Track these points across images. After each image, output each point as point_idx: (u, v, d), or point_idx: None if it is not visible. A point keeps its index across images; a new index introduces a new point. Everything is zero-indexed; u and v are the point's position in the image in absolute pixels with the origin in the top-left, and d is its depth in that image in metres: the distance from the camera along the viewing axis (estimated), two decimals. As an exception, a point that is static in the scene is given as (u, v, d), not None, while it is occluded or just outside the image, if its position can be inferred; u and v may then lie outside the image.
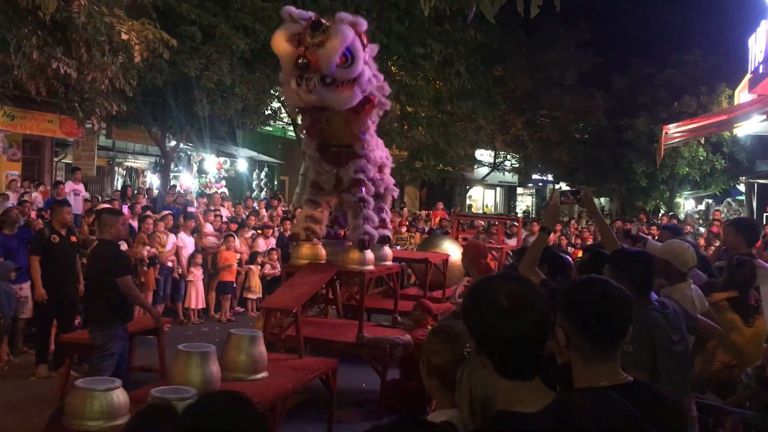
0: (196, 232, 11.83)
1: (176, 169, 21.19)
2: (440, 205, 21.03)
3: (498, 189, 39.39)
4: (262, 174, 25.27)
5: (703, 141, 23.64)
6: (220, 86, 14.51)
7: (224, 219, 13.26)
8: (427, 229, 16.32)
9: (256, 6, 14.85)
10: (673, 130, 13.17)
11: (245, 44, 14.25)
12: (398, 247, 12.73)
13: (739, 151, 24.95)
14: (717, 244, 10.39)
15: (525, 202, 41.91)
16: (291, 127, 21.71)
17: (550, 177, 35.93)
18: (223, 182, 22.10)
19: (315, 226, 7.41)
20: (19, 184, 13.63)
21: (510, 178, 35.39)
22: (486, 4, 3.95)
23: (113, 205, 11.79)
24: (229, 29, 14.19)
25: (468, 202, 34.47)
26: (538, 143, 30.13)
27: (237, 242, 11.84)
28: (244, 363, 5.36)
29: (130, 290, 6.21)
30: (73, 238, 8.08)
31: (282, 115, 20.48)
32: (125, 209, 12.43)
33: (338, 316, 8.50)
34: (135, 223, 11.38)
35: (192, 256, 11.22)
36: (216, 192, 18.31)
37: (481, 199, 38.04)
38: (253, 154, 24.14)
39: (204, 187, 20.94)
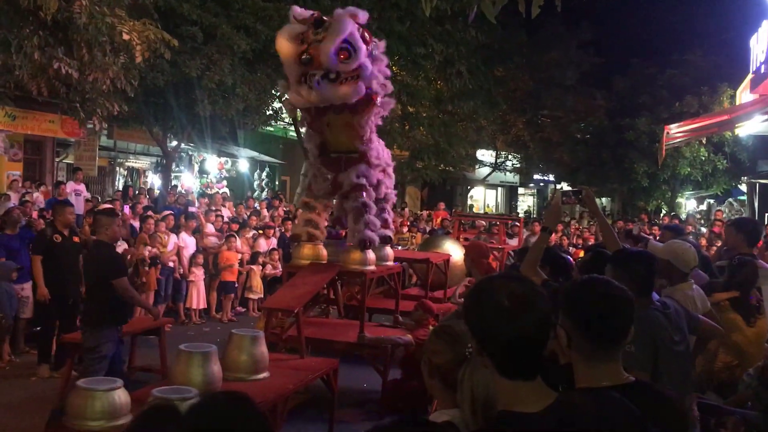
0: (198, 232, 11.84)
1: (177, 169, 21.20)
2: (442, 205, 21.03)
3: (499, 189, 39.38)
4: (264, 174, 25.27)
5: (704, 141, 23.64)
6: (222, 86, 14.51)
7: (225, 219, 13.27)
8: (428, 229, 16.32)
9: (258, 6, 14.86)
10: (675, 130, 13.18)
11: (246, 44, 14.25)
12: (399, 247, 12.72)
13: (740, 151, 24.92)
14: (719, 244, 10.38)
15: (526, 202, 41.91)
16: (292, 128, 21.71)
17: (551, 177, 35.92)
18: (225, 182, 22.11)
19: (315, 231, 7.41)
20: (20, 185, 13.64)
21: (511, 178, 35.40)
22: (487, 4, 3.95)
23: (115, 206, 11.80)
24: (230, 29, 14.20)
25: (469, 202, 34.47)
26: (539, 143, 30.12)
27: (238, 242, 11.85)
28: (246, 363, 5.37)
29: (127, 291, 6.18)
30: (76, 239, 8.08)
31: (283, 115, 20.47)
32: (127, 209, 12.45)
33: (339, 316, 8.50)
34: (136, 224, 11.40)
35: (193, 256, 11.23)
36: (217, 192, 18.32)
37: (483, 199, 38.05)
38: (255, 154, 24.15)
39: (205, 187, 20.95)
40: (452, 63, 20.33)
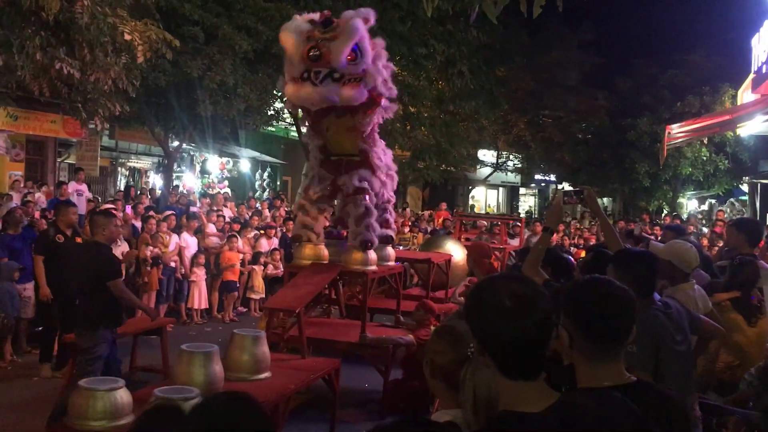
0: (199, 232, 11.85)
1: (179, 169, 21.21)
2: (443, 205, 21.03)
3: (500, 189, 39.38)
4: (265, 174, 25.28)
5: (706, 141, 23.63)
6: (223, 87, 14.51)
7: (227, 219, 13.27)
8: (429, 229, 16.32)
9: (259, 6, 14.86)
10: (676, 130, 13.17)
11: (248, 45, 14.25)
12: (401, 248, 12.73)
13: (742, 151, 24.91)
14: (720, 244, 10.37)
15: (527, 202, 41.91)
16: (293, 128, 21.72)
17: (552, 177, 35.93)
18: (226, 182, 22.12)
19: (310, 233, 7.41)
20: (22, 185, 13.66)
21: (513, 178, 35.41)
22: (489, 4, 3.95)
23: (116, 206, 11.82)
24: (231, 30, 14.20)
25: (470, 202, 34.47)
26: (540, 143, 30.13)
27: (240, 242, 11.85)
28: (247, 363, 5.37)
29: (123, 293, 6.11)
30: (78, 239, 8.08)
31: (284, 116, 20.49)
32: (128, 209, 12.45)
33: (341, 317, 8.51)
34: (138, 224, 11.40)
35: (195, 257, 11.24)
36: (219, 192, 18.34)
37: (484, 199, 38.05)
38: (256, 154, 24.17)
39: (207, 187, 20.96)
40: (454, 63, 20.32)
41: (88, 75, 9.51)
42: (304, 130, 8.02)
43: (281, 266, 11.91)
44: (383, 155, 7.55)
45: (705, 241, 12.47)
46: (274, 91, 16.32)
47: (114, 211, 10.51)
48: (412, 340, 6.86)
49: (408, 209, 20.22)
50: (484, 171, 32.11)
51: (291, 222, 13.50)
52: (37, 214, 10.34)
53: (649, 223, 17.83)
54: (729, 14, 26.03)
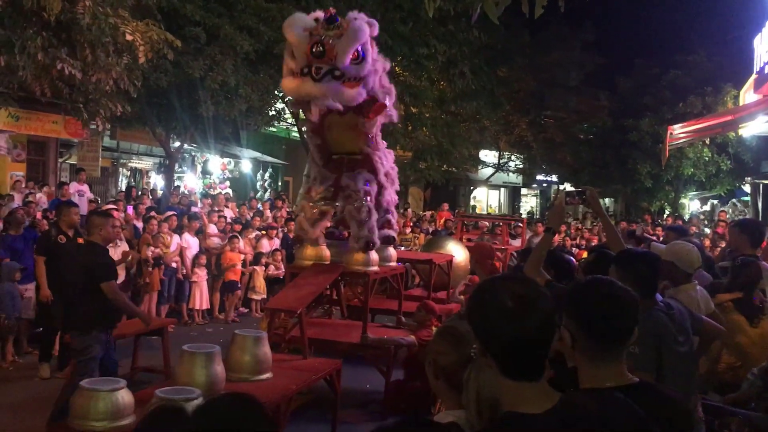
0: (201, 232, 11.85)
1: (180, 169, 21.22)
2: (445, 206, 21.04)
3: (502, 190, 39.36)
4: (266, 175, 25.28)
5: (708, 142, 23.59)
6: (225, 87, 14.52)
7: (228, 220, 13.27)
8: (431, 230, 16.32)
9: (261, 7, 14.88)
10: (678, 131, 13.16)
11: (249, 45, 14.26)
12: (402, 248, 12.73)
13: (744, 152, 24.87)
14: (722, 245, 10.36)
15: (529, 202, 41.89)
16: (295, 128, 21.72)
17: (554, 178, 35.89)
18: (227, 183, 22.13)
19: (311, 236, 7.40)
20: (23, 185, 13.66)
21: (514, 178, 35.38)
22: (490, 4, 3.94)
23: (118, 206, 11.82)
24: (233, 30, 14.21)
25: (472, 202, 34.46)
26: (542, 144, 30.11)
27: (241, 243, 11.85)
28: (249, 364, 5.37)
29: (116, 296, 5.98)
30: (80, 240, 8.07)
31: (286, 116, 20.50)
32: (130, 210, 12.45)
33: (342, 317, 8.51)
34: (139, 224, 11.40)
35: (196, 257, 11.24)
36: (220, 193, 18.34)
37: (485, 199, 38.04)
38: (257, 154, 24.17)
39: (208, 187, 20.97)
40: (455, 63, 20.33)
41: (89, 75, 9.51)
42: (305, 129, 7.98)
43: (282, 267, 11.91)
44: (385, 158, 7.55)
45: (707, 242, 12.46)
46: (276, 92, 16.34)
47: (115, 212, 10.53)
48: (414, 341, 6.86)
49: (409, 210, 20.22)
50: (486, 171, 32.10)
51: (292, 222, 13.52)
52: (38, 215, 10.34)
53: (651, 224, 17.82)
54: (731, 15, 26.01)
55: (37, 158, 17.18)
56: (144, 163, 22.83)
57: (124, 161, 21.94)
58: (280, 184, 26.59)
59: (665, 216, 24.95)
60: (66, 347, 7.25)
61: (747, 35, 15.70)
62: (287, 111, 19.55)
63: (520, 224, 15.39)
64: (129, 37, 9.64)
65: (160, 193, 17.44)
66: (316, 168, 7.45)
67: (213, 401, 1.80)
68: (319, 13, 6.56)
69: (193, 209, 13.93)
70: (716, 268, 6.24)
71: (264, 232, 12.90)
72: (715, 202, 29.28)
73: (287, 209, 16.41)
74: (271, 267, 12.27)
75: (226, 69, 14.01)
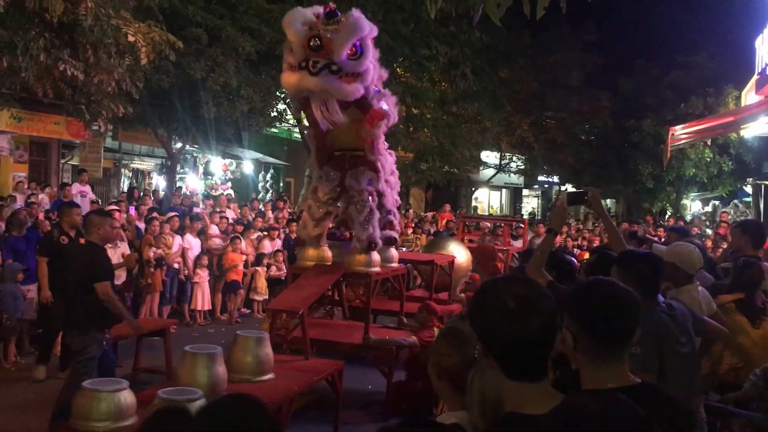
0: (202, 233, 11.86)
1: (182, 170, 21.23)
2: (447, 207, 21.01)
3: (504, 190, 39.33)
4: (268, 176, 25.28)
5: (709, 142, 23.60)
6: (226, 88, 14.53)
7: (230, 221, 13.28)
8: (432, 230, 16.31)
9: (262, 8, 14.89)
10: (680, 132, 13.17)
11: (251, 46, 14.27)
12: (404, 249, 12.73)
13: (746, 153, 24.87)
14: (724, 245, 10.36)
15: (531, 203, 41.85)
16: (296, 129, 21.72)
17: (555, 178, 35.86)
18: (229, 184, 22.13)
19: (315, 235, 7.40)
20: (25, 186, 13.68)
21: (516, 179, 35.34)
22: (492, 6, 3.95)
23: (120, 207, 11.83)
24: (235, 31, 14.22)
25: (473, 203, 34.45)
26: (543, 145, 30.08)
27: (243, 244, 11.86)
28: (251, 364, 5.38)
29: (108, 297, 5.85)
30: (82, 240, 8.07)
31: (288, 117, 20.51)
32: (132, 211, 12.46)
33: (344, 318, 8.51)
34: (141, 225, 11.42)
35: (198, 258, 11.25)
36: (222, 194, 18.34)
37: (487, 200, 38.00)
38: (259, 155, 24.17)
39: (210, 188, 20.96)
40: (457, 64, 20.33)
41: (91, 76, 9.52)
42: (306, 125, 7.92)
43: (284, 268, 11.92)
44: (385, 161, 7.56)
45: (709, 243, 12.46)
46: (278, 93, 16.35)
47: (117, 213, 10.56)
48: (416, 342, 6.86)
49: (411, 211, 20.21)
50: (487, 172, 32.07)
51: (294, 223, 13.53)
52: (41, 216, 10.36)
53: (653, 225, 17.82)
54: (733, 15, 25.99)
55: (40, 159, 17.20)
56: (146, 164, 22.83)
57: (126, 162, 21.95)
58: (281, 185, 26.59)
59: (667, 217, 24.93)
60: (68, 348, 7.27)
61: (749, 36, 15.69)
62: (289, 112, 19.56)
63: (522, 225, 15.39)
64: (131, 39, 9.65)
65: (162, 194, 17.45)
66: (319, 168, 7.45)
67: (216, 402, 1.81)
68: (320, 9, 6.54)
69: (195, 210, 13.94)
70: (718, 269, 6.23)
71: (266, 233, 12.90)
72: (717, 203, 29.28)
73: (289, 210, 16.42)
74: (273, 268, 12.27)
75: (228, 70, 14.02)
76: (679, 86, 27.02)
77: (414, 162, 23.40)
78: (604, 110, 29.38)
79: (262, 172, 24.96)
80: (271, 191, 24.09)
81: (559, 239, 13.13)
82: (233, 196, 19.17)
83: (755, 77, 14.43)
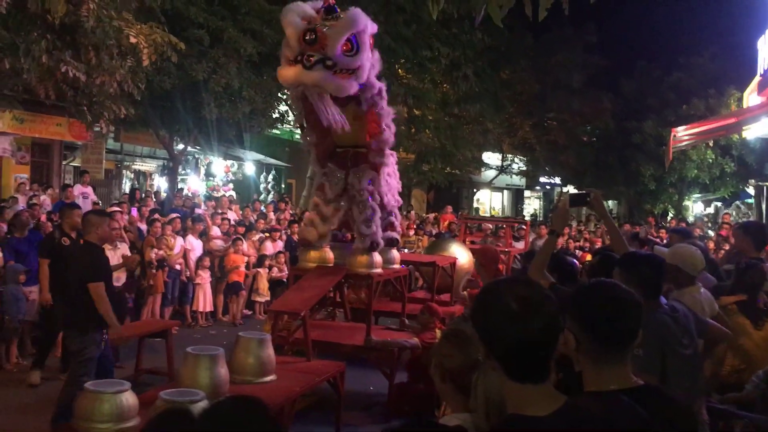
0: (204, 235, 11.87)
1: (184, 172, 21.24)
2: (449, 208, 21.02)
3: (505, 192, 39.32)
4: (270, 177, 25.30)
5: (711, 144, 23.60)
6: (228, 89, 14.54)
7: (232, 222, 13.29)
8: (434, 232, 16.31)
9: (264, 10, 14.90)
10: (682, 133, 13.16)
11: (253, 48, 14.29)
12: (406, 250, 12.73)
13: (748, 154, 24.85)
14: (726, 247, 10.34)
15: (532, 205, 41.84)
16: (298, 130, 21.73)
17: (557, 180, 35.84)
18: (231, 185, 22.13)
19: (315, 234, 7.39)
20: (27, 187, 13.69)
21: (517, 181, 35.33)
22: (494, 7, 3.94)
23: (122, 208, 11.84)
24: (236, 33, 14.24)
25: (475, 205, 34.44)
26: (545, 146, 30.07)
27: (245, 245, 11.86)
28: (253, 366, 5.38)
29: (99, 298, 5.76)
30: (83, 241, 8.07)
31: (289, 119, 20.52)
32: (134, 212, 12.48)
33: (346, 320, 8.51)
34: (143, 226, 11.42)
35: (200, 259, 11.25)
36: (223, 195, 18.35)
37: (489, 202, 37.99)
38: (261, 157, 24.17)
39: (211, 190, 20.96)
40: (458, 66, 20.35)
41: (93, 78, 9.54)
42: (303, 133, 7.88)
43: (286, 269, 11.92)
44: (388, 161, 7.56)
45: (711, 245, 12.44)
46: (279, 94, 16.36)
47: (119, 214, 10.56)
48: (417, 343, 6.86)
49: (413, 212, 20.21)
50: (489, 174, 32.06)
51: (296, 225, 13.54)
52: (43, 217, 10.36)
53: (655, 226, 17.81)
54: (734, 16, 26.04)
55: (41, 160, 17.21)
56: (147, 166, 22.85)
57: (128, 163, 21.97)
58: (283, 186, 26.61)
59: (669, 218, 24.92)
60: (66, 348, 7.27)
61: (750, 37, 15.67)
62: (290, 113, 19.57)
63: (524, 226, 15.37)
64: (133, 40, 9.67)
65: (163, 195, 17.45)
66: (322, 165, 7.44)
67: (219, 404, 1.82)
68: (320, 4, 6.53)
69: (197, 211, 13.96)
70: (721, 271, 6.22)
71: (267, 234, 12.91)
72: (719, 204, 29.25)
73: (290, 211, 16.42)
74: (275, 269, 12.27)
75: (230, 71, 14.03)
76: (680, 87, 27.02)
77: (416, 163, 23.41)
78: (606, 112, 29.37)
79: (264, 173, 24.96)
80: (272, 192, 24.10)
81: (561, 241, 13.12)
82: (235, 197, 19.18)
83: (757, 78, 14.41)
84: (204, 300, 11.22)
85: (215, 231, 12.31)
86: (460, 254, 9.97)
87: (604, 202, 4.40)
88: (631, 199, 31.60)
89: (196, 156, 21.95)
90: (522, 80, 27.38)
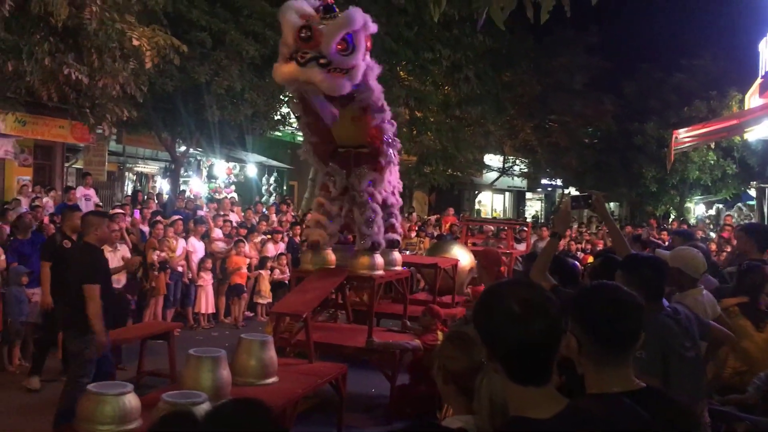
0: (206, 237, 11.88)
1: (186, 174, 21.25)
2: (451, 210, 21.00)
3: (507, 194, 39.29)
4: (272, 179, 25.31)
5: (713, 145, 23.57)
6: (230, 92, 14.55)
7: (234, 224, 13.29)
8: (436, 234, 16.31)
9: (266, 12, 14.90)
10: (684, 135, 13.16)
11: (255, 50, 14.30)
12: (407, 252, 12.74)
13: (749, 156, 24.82)
14: (728, 249, 10.33)
15: (534, 207, 41.79)
16: (300, 132, 21.74)
17: (559, 182, 35.80)
18: (233, 187, 22.15)
19: (324, 234, 7.39)
20: (30, 189, 13.71)
21: (519, 182, 35.31)
22: (496, 10, 3.95)
23: (125, 210, 11.85)
24: (239, 35, 14.25)
25: (477, 206, 34.42)
26: (547, 148, 30.03)
27: (247, 247, 11.87)
28: (255, 368, 5.38)
29: (92, 301, 5.68)
30: (84, 244, 8.07)
31: (291, 121, 20.53)
32: (136, 214, 12.49)
33: (348, 321, 8.51)
34: (146, 228, 11.44)
35: (202, 261, 11.26)
36: (225, 197, 18.36)
37: (490, 203, 37.96)
38: (263, 159, 24.19)
39: (213, 192, 20.99)
40: (460, 68, 20.35)
41: (96, 80, 9.55)
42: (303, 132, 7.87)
43: (287, 271, 11.92)
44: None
45: (713, 246, 12.43)
46: (281, 96, 16.36)
47: (122, 216, 10.56)
48: (419, 345, 6.86)
49: (414, 214, 20.22)
50: (491, 176, 32.03)
51: (298, 227, 13.55)
52: (45, 219, 10.38)
53: (657, 228, 17.80)
54: (736, 18, 26.02)
55: (44, 163, 17.23)
56: (150, 168, 22.88)
57: (130, 166, 22.00)
58: (285, 188, 26.62)
59: (671, 220, 24.88)
60: (66, 350, 7.26)
61: (752, 39, 15.67)
62: (292, 115, 19.58)
63: (525, 228, 15.37)
64: (135, 43, 9.68)
65: (165, 197, 17.46)
66: (325, 165, 7.44)
67: (222, 406, 1.82)
68: (319, 3, 6.52)
69: (199, 213, 13.96)
70: (724, 273, 6.22)
71: (269, 236, 12.91)
72: (721, 206, 29.21)
73: (292, 213, 16.43)
74: (276, 271, 12.28)
75: (232, 74, 14.04)
76: (682, 89, 26.98)
77: (417, 165, 23.39)
78: (608, 113, 29.33)
79: (266, 175, 24.97)
80: (274, 194, 24.11)
81: (562, 243, 13.12)
82: (237, 199, 19.19)
83: (759, 80, 14.40)
84: (206, 302, 11.23)
85: (217, 233, 12.32)
86: (462, 256, 9.98)
87: (606, 204, 4.40)
88: (633, 200, 31.57)
89: (198, 158, 21.96)
90: (523, 82, 27.36)
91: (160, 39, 10.14)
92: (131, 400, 4.31)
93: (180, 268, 10.83)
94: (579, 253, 14.40)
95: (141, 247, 10.51)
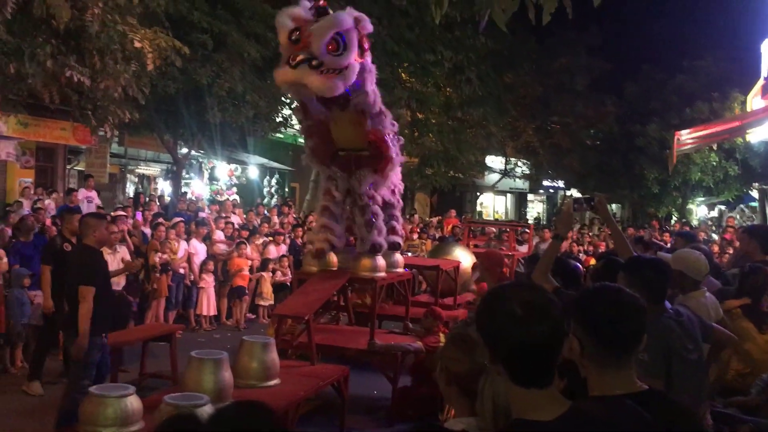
0: (208, 239, 11.88)
1: (188, 176, 21.27)
2: (453, 212, 20.99)
3: (509, 195, 39.28)
4: (273, 181, 25.33)
5: (715, 147, 23.56)
6: (232, 94, 14.56)
7: (235, 226, 13.29)
8: (438, 235, 16.30)
9: (268, 14, 14.89)
10: (686, 137, 13.17)
11: (256, 52, 14.31)
12: (409, 254, 12.73)
13: (752, 157, 24.80)
14: (730, 251, 10.32)
15: (536, 208, 41.79)
16: (301, 134, 21.74)
17: (561, 183, 35.80)
18: (234, 189, 22.17)
19: (332, 237, 7.38)
20: (32, 192, 13.72)
21: (521, 184, 35.28)
22: (497, 11, 3.95)
23: (126, 212, 11.85)
24: (240, 37, 14.26)
25: (478, 208, 34.41)
26: (548, 149, 30.03)
27: (248, 249, 11.86)
28: (257, 370, 5.38)
29: (84, 301, 5.62)
30: (84, 247, 8.06)
31: (293, 122, 20.54)
32: (138, 216, 12.50)
33: (349, 323, 8.51)
34: (147, 230, 11.44)
35: (204, 263, 11.26)
36: (227, 199, 18.37)
37: (492, 205, 37.95)
38: (264, 161, 24.21)
39: (215, 194, 21.01)
40: (462, 70, 20.35)
41: (98, 82, 9.56)
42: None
43: (289, 273, 11.91)
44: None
45: (715, 248, 12.41)
46: (283, 98, 16.37)
47: (123, 218, 10.57)
48: (421, 347, 6.86)
49: (416, 216, 20.22)
50: (493, 177, 32.04)
51: (300, 229, 13.54)
52: (47, 221, 10.38)
53: (659, 230, 17.77)
54: (738, 20, 25.99)
55: (46, 165, 17.26)
56: (152, 170, 22.90)
57: (132, 168, 22.03)
58: (286, 190, 26.63)
59: (673, 222, 24.88)
60: (66, 351, 7.25)
61: (754, 41, 15.67)
62: (294, 117, 19.58)
63: (527, 230, 15.36)
64: (137, 45, 9.69)
65: (167, 199, 17.48)
66: (327, 168, 7.44)
67: (224, 409, 1.82)
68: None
69: (201, 215, 13.96)
70: (727, 275, 6.21)
71: (271, 238, 12.91)
72: (723, 207, 29.22)
73: (294, 215, 16.43)
74: (278, 273, 12.27)
75: (234, 76, 14.05)
76: (684, 91, 26.96)
77: (419, 167, 23.39)
78: (610, 115, 29.34)
79: (267, 177, 24.99)
80: (276, 196, 24.12)
81: (564, 244, 13.11)
82: (238, 201, 19.20)
83: (761, 82, 14.41)
84: (208, 304, 11.23)
85: (219, 235, 12.32)
86: (464, 258, 9.97)
87: (608, 206, 4.39)
88: (635, 202, 31.55)
89: (200, 160, 21.98)
90: (525, 84, 27.37)
91: (161, 41, 10.15)
92: (133, 402, 4.31)
93: (182, 270, 10.83)
94: (581, 255, 14.37)
95: (143, 249, 10.51)
